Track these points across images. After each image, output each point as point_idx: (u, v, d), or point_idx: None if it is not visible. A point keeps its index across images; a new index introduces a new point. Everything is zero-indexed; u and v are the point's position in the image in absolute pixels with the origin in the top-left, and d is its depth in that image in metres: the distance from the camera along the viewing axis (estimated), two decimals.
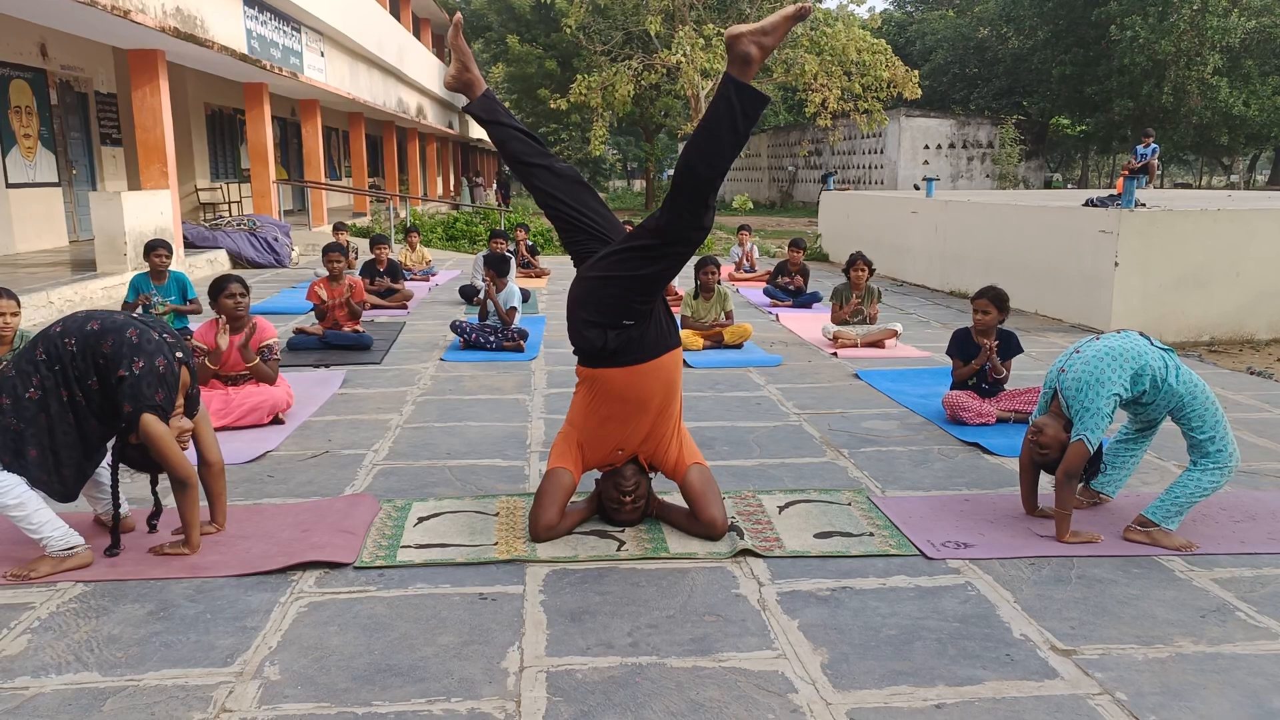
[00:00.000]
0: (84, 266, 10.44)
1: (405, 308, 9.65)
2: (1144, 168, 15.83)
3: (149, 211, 10.90)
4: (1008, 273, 9.69)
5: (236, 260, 13.34)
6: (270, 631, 2.84)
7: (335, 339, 7.33)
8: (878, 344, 7.60)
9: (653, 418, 3.59)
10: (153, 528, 3.52)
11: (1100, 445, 3.54)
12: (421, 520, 3.75)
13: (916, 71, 24.22)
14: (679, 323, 5.46)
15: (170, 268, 7.07)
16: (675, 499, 3.83)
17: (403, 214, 19.68)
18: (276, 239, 13.89)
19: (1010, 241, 10.17)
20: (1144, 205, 9.31)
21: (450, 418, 5.39)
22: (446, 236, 18.12)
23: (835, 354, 7.40)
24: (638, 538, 3.59)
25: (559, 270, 12.62)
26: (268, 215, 15.37)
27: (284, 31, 15.35)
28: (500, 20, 35.77)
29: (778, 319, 9.31)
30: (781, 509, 3.90)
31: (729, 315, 7.70)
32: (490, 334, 7.39)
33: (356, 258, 11.35)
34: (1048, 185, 36.14)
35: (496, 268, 7.74)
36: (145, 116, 11.67)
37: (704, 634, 2.85)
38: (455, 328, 7.50)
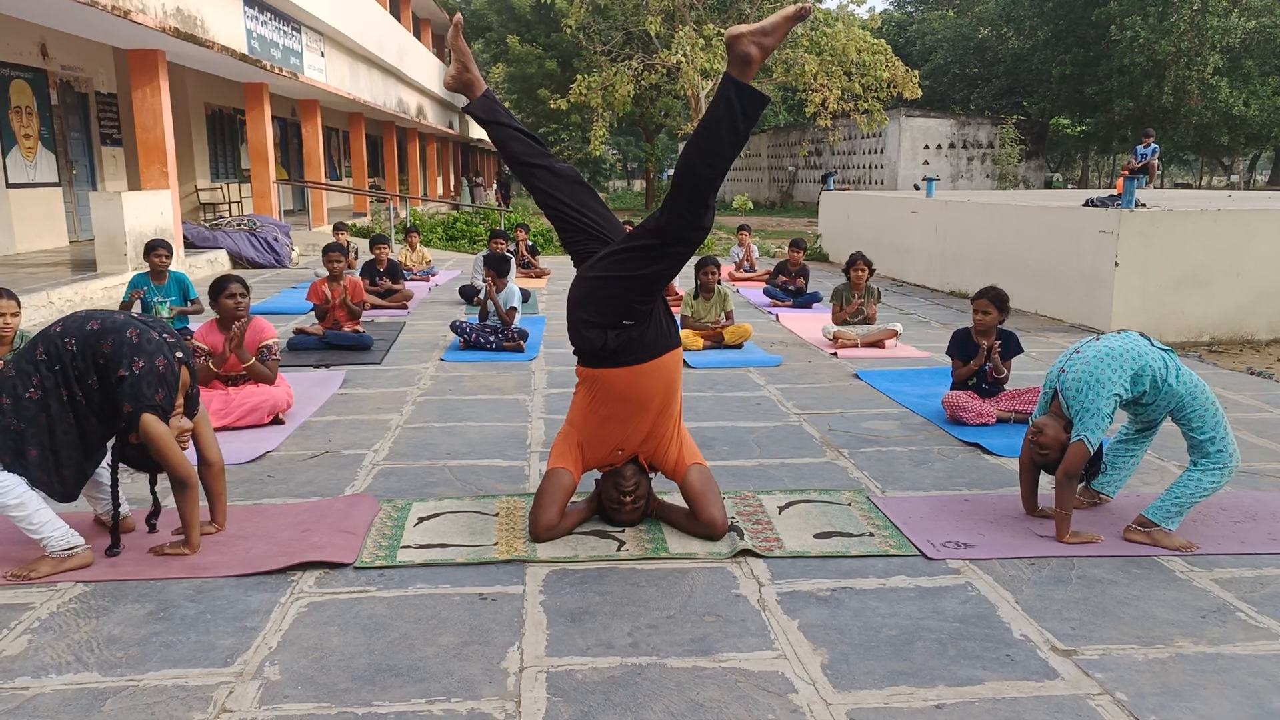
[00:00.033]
0: (84, 267, 10.44)
1: (405, 308, 9.65)
2: (1144, 168, 15.85)
3: (149, 211, 10.90)
4: (1008, 273, 9.69)
5: (236, 260, 13.34)
6: (270, 632, 2.84)
7: (335, 339, 7.33)
8: (878, 344, 7.60)
9: (653, 418, 3.59)
10: (152, 528, 3.52)
11: (1100, 446, 3.54)
12: (421, 520, 3.75)
13: (916, 71, 24.22)
14: (679, 323, 5.47)
15: (170, 268, 7.08)
16: (675, 499, 3.83)
17: (403, 214, 19.68)
18: (276, 239, 13.89)
19: (1010, 241, 10.17)
20: (1144, 205, 9.31)
21: (450, 418, 5.39)
22: (446, 236, 18.13)
23: (835, 354, 7.40)
24: (638, 538, 3.59)
25: (559, 270, 12.62)
26: (268, 215, 15.38)
27: (284, 32, 15.35)
28: (500, 20, 35.78)
29: (778, 319, 9.31)
30: (781, 509, 3.90)
31: (729, 315, 7.70)
32: (490, 334, 7.39)
33: (357, 258, 11.35)
34: (1048, 185, 36.14)
35: (496, 268, 7.74)
36: (145, 116, 11.68)
37: (704, 634, 2.85)
38: (455, 328, 7.50)
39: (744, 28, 3.08)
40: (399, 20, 25.51)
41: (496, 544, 3.50)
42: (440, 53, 32.44)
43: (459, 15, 3.84)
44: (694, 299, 7.72)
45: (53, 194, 12.97)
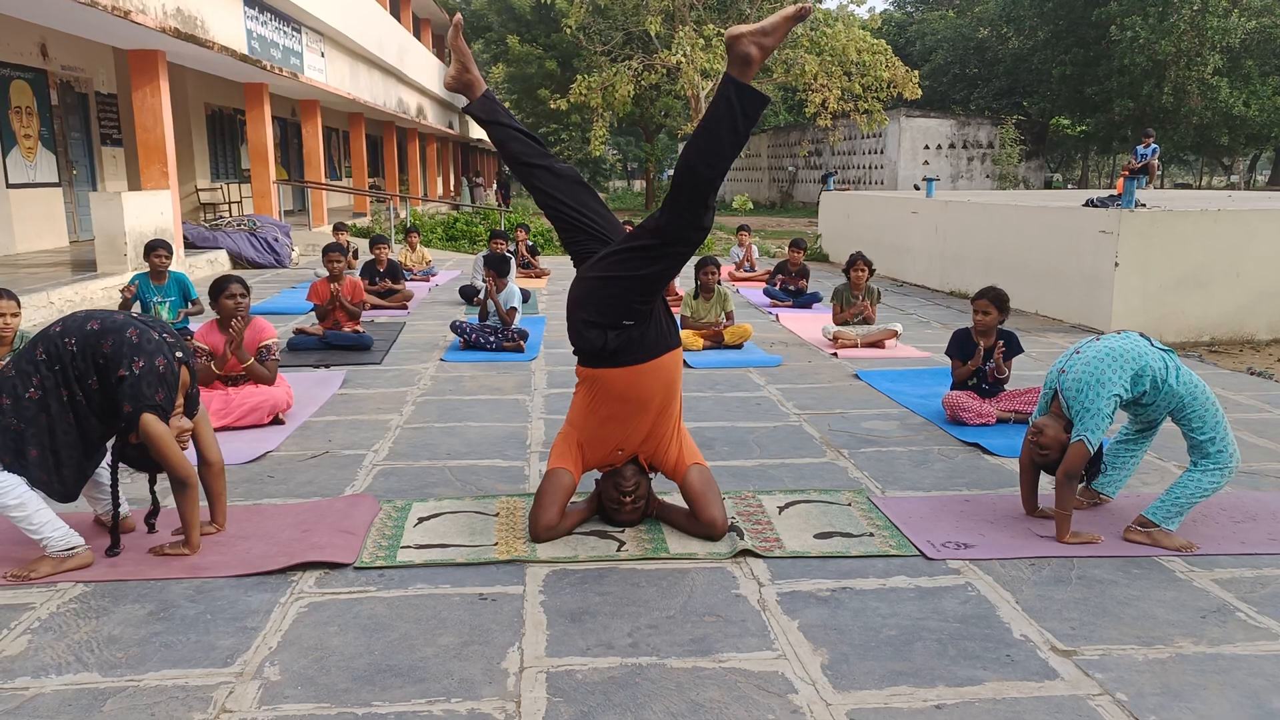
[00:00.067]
0: (84, 267, 10.44)
1: (405, 308, 9.65)
2: (1144, 168, 15.85)
3: (149, 212, 10.90)
4: (1008, 273, 9.69)
5: (236, 260, 13.34)
6: (270, 632, 2.84)
7: (335, 339, 7.33)
8: (878, 344, 7.60)
9: (653, 418, 3.59)
10: (151, 527, 3.52)
11: (1100, 446, 3.54)
12: (421, 520, 3.75)
13: (916, 72, 24.22)
14: (679, 323, 5.47)
15: (170, 268, 7.08)
16: (675, 499, 3.83)
17: (403, 214, 19.68)
18: (277, 239, 13.89)
19: (1010, 242, 10.17)
20: (1144, 205, 9.31)
21: (450, 418, 5.39)
22: (446, 237, 18.13)
23: (835, 354, 7.40)
24: (638, 538, 3.59)
25: (559, 270, 12.62)
26: (268, 215, 15.38)
27: (284, 32, 15.35)
28: (500, 20, 35.78)
29: (778, 319, 9.31)
30: (781, 509, 3.90)
31: (729, 316, 7.70)
32: (490, 334, 7.39)
33: (357, 258, 11.35)
34: (1048, 185, 36.14)
35: (497, 268, 7.74)
36: (145, 117, 11.68)
37: (704, 634, 2.85)
38: (455, 328, 7.50)
39: (744, 28, 3.08)
40: (399, 20, 25.52)
41: (496, 544, 3.50)
42: (440, 53, 32.44)
43: (459, 15, 3.84)
44: (694, 299, 7.72)
45: (53, 194, 12.98)
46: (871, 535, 3.63)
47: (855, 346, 7.59)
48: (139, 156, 12.00)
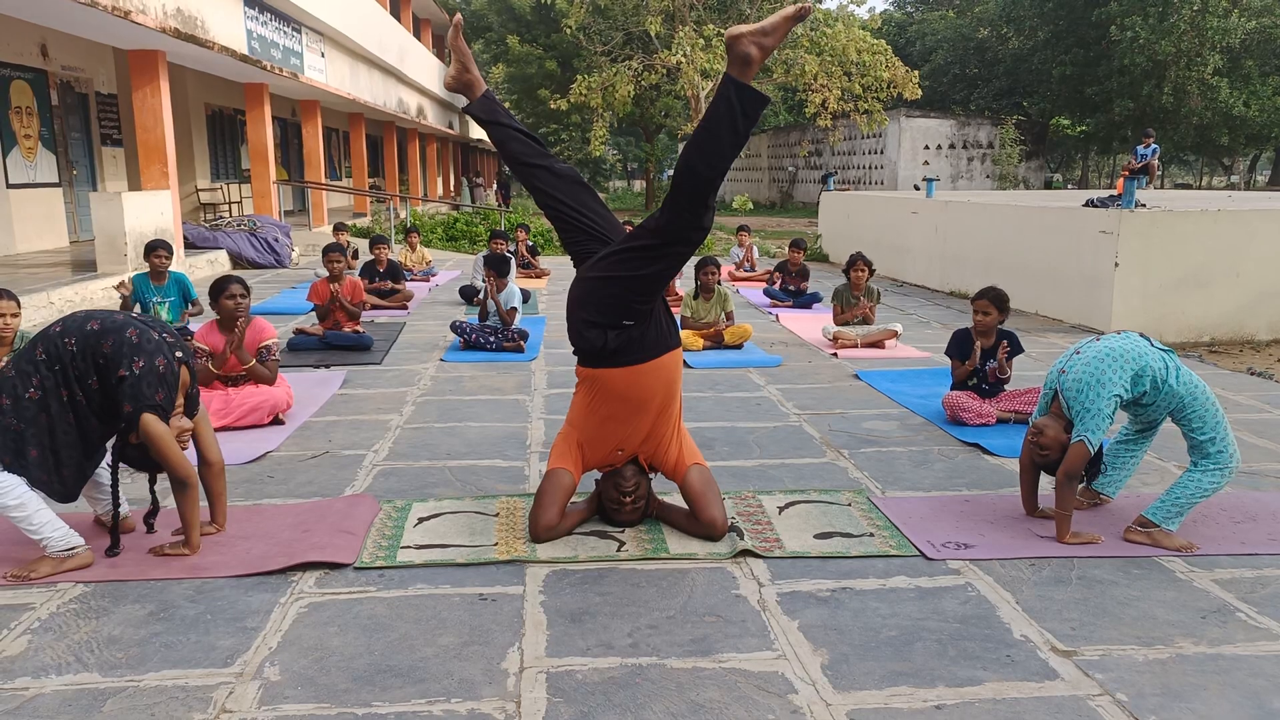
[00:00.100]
0: (84, 267, 10.44)
1: (405, 308, 9.65)
2: (1144, 168, 15.85)
3: (149, 212, 10.90)
4: (1008, 273, 9.69)
5: (237, 261, 13.34)
6: (270, 632, 2.84)
7: (335, 339, 7.33)
8: (878, 344, 7.60)
9: (653, 418, 3.59)
10: (151, 528, 3.52)
11: (1101, 446, 3.54)
12: (421, 521, 3.75)
13: (916, 72, 24.21)
14: (679, 323, 5.46)
15: (170, 268, 7.08)
16: (675, 499, 3.83)
17: (403, 214, 19.68)
18: (277, 239, 13.89)
19: (1010, 242, 10.17)
20: (1144, 206, 9.31)
21: (450, 418, 5.39)
22: (446, 237, 18.13)
23: (835, 354, 7.40)
24: (638, 538, 3.59)
25: (559, 270, 12.62)
26: (268, 215, 15.37)
27: (284, 32, 15.35)
28: (500, 21, 35.79)
29: (778, 319, 9.31)
30: (781, 509, 3.90)
31: (729, 316, 7.70)
32: (490, 334, 7.39)
33: (357, 258, 11.36)
34: (1048, 186, 36.14)
35: (497, 268, 7.74)
36: (146, 117, 11.68)
37: (704, 635, 2.85)
38: (455, 328, 7.50)
39: (744, 28, 3.08)
40: (399, 20, 25.52)
41: (496, 544, 3.50)
42: (440, 53, 32.44)
43: (459, 15, 3.84)
44: (694, 299, 7.72)
45: (53, 194, 12.98)
46: (871, 535, 3.63)
47: (855, 346, 7.59)
48: (139, 157, 12.00)
